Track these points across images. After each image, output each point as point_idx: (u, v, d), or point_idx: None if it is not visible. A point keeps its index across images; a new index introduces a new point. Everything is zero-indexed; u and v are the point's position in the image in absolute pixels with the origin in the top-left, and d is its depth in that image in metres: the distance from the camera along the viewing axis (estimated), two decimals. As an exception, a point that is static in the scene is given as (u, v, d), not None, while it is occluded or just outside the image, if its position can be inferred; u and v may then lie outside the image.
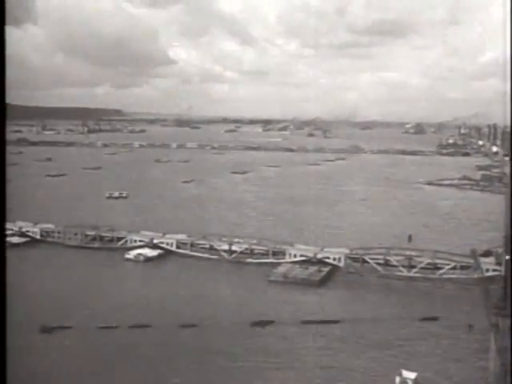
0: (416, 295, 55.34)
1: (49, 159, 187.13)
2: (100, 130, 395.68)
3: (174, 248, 68.93)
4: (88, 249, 70.30)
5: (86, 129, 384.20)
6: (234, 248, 67.00)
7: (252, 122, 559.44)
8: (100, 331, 42.41)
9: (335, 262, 62.72)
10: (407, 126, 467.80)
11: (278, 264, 63.43)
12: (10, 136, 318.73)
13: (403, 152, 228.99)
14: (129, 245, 70.05)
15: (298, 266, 62.58)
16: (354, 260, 62.68)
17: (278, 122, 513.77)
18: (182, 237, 70.80)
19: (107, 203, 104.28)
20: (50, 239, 73.69)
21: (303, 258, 64.00)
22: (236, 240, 68.61)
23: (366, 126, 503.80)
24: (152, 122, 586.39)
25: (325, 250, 65.64)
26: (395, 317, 45.15)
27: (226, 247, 67.37)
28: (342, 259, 62.54)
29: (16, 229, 75.38)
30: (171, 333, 42.23)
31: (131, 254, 66.56)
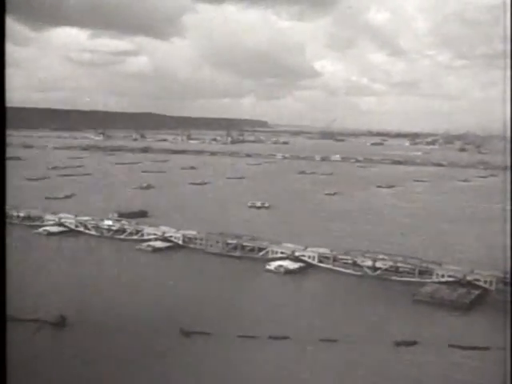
0: None
1: (193, 167, 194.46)
2: (243, 141, 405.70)
3: (315, 262, 68.74)
4: (229, 257, 71.76)
5: (229, 139, 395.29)
6: (378, 265, 65.74)
7: (399, 135, 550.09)
8: (238, 340, 43.07)
9: (486, 285, 59.77)
10: None
11: (424, 283, 61.46)
12: (157, 144, 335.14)
13: None
14: (270, 256, 70.73)
15: (445, 286, 60.28)
16: (506, 284, 59.22)
17: (427, 135, 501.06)
18: (325, 251, 70.45)
19: (249, 213, 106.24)
20: (191, 245, 76.15)
21: (451, 279, 61.60)
22: (380, 256, 67.30)
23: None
24: (296, 133, 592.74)
25: (475, 271, 62.70)
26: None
27: (369, 263, 66.26)
28: (494, 283, 59.45)
29: (159, 234, 78.84)
30: (311, 347, 42.14)
31: (272, 266, 67.15)
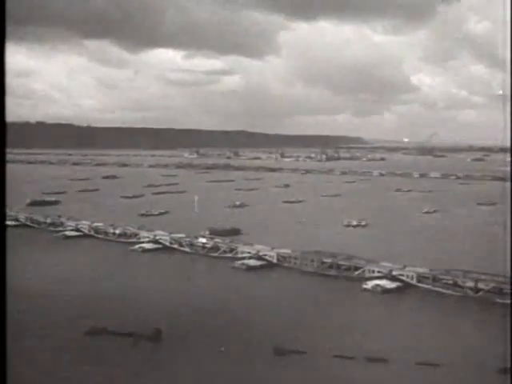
0: None
1: (287, 185, 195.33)
2: (339, 158, 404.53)
3: (414, 281, 67.41)
4: (324, 276, 71.43)
5: (324, 156, 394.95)
6: (480, 285, 63.72)
7: (502, 149, 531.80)
8: (334, 360, 42.79)
9: None
10: None
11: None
12: (251, 162, 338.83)
13: None
14: (366, 275, 69.94)
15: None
16: None
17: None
18: (424, 270, 69.00)
19: (344, 231, 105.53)
20: (286, 264, 76.33)
21: None
22: (483, 277, 65.20)
23: None
24: (393, 149, 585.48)
25: None
26: None
27: (471, 284, 64.31)
28: None
29: (253, 252, 79.50)
30: (409, 371, 41.33)
31: (369, 285, 66.41)
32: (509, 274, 64.69)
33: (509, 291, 61.91)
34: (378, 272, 69.63)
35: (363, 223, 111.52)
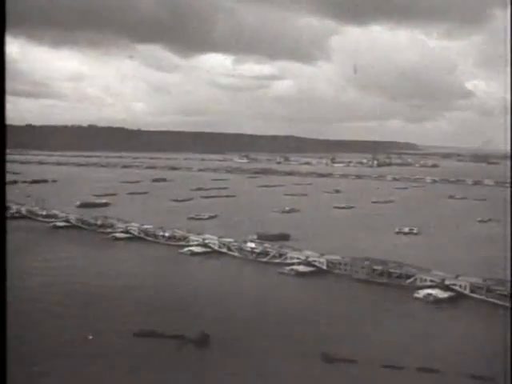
0: None
1: (337, 191, 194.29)
2: (390, 164, 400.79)
3: (467, 291, 66.14)
4: (374, 284, 70.67)
5: (375, 162, 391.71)
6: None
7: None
8: (384, 370, 42.26)
9: None
10: None
11: None
12: (301, 167, 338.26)
13: None
14: (418, 283, 68.95)
15: None
16: None
17: None
18: (477, 280, 67.66)
19: (395, 238, 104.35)
20: (336, 271, 75.78)
21: None
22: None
23: None
24: (446, 156, 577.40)
25: None
26: None
27: (526, 295, 62.75)
28: None
29: (303, 258, 79.15)
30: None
31: (420, 294, 65.43)
32: None
33: None
34: (430, 281, 68.60)
35: (415, 230, 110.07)
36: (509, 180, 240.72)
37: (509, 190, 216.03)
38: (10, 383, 13.24)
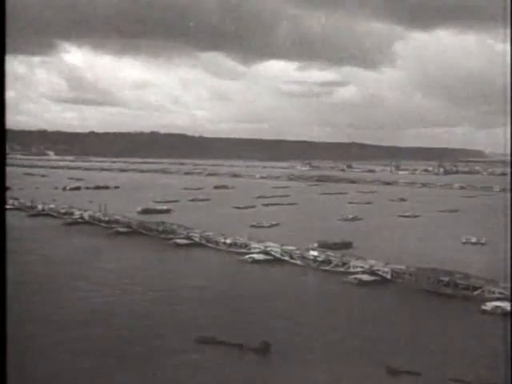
0: None
1: (402, 199, 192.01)
2: (457, 172, 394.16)
3: (538, 304, 64.43)
4: (440, 295, 69.50)
5: (442, 169, 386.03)
6: None
7: None
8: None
9: None
10: None
11: None
12: (365, 175, 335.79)
13: None
14: (486, 296, 67.50)
15: None
16: None
17: None
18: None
19: (462, 248, 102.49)
20: (400, 280, 74.84)
21: None
22: None
23: None
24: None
25: None
26: None
27: None
28: None
29: (366, 267, 78.46)
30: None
31: (488, 306, 64.01)
32: None
33: None
34: (499, 293, 67.07)
35: (483, 241, 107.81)
36: None
37: None
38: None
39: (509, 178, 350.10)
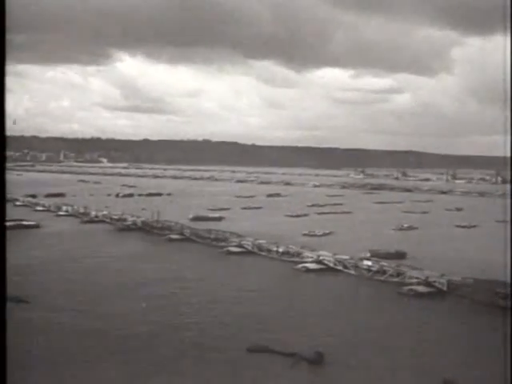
0: None
1: (459, 209, 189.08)
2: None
3: None
4: (497, 307, 68.21)
5: (500, 178, 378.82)
6: None
7: None
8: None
9: None
10: None
11: None
12: (420, 183, 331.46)
13: None
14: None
15: None
16: None
17: None
18: None
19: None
20: (457, 292, 73.69)
21: None
22: None
23: None
24: None
25: None
26: None
27: None
28: None
29: (422, 277, 77.45)
30: None
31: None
32: None
33: None
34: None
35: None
36: None
37: None
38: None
39: None
